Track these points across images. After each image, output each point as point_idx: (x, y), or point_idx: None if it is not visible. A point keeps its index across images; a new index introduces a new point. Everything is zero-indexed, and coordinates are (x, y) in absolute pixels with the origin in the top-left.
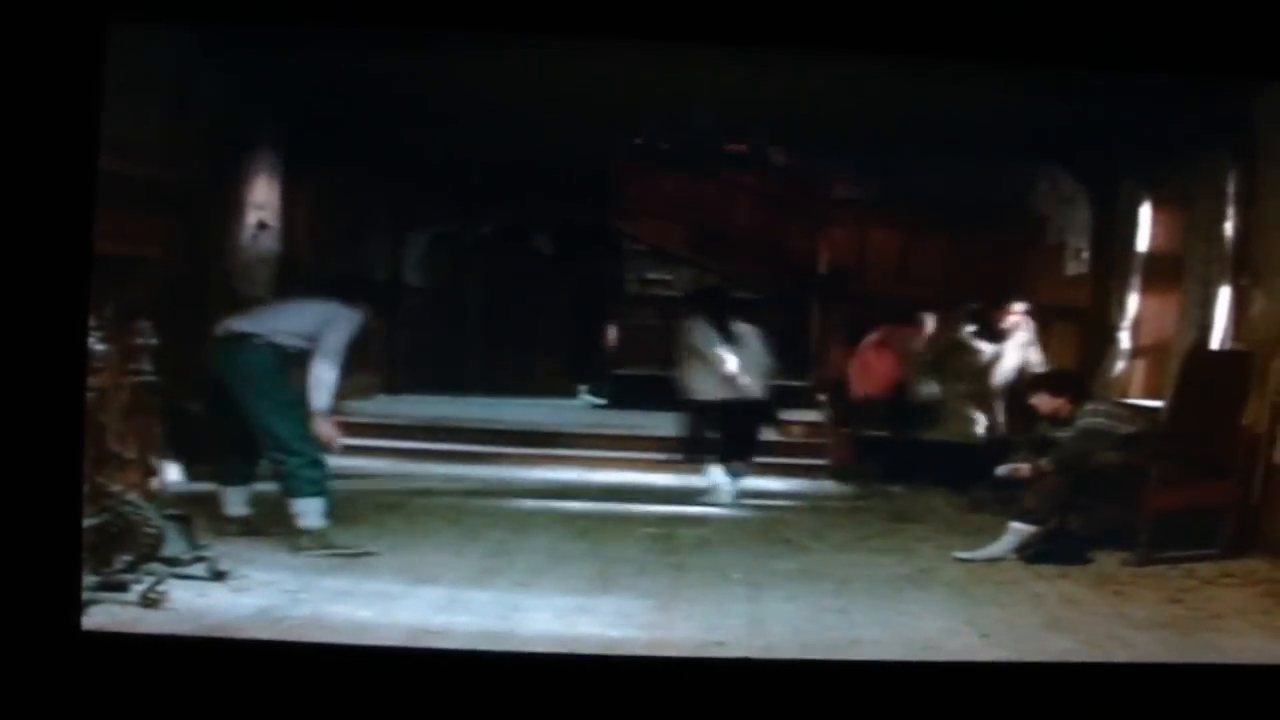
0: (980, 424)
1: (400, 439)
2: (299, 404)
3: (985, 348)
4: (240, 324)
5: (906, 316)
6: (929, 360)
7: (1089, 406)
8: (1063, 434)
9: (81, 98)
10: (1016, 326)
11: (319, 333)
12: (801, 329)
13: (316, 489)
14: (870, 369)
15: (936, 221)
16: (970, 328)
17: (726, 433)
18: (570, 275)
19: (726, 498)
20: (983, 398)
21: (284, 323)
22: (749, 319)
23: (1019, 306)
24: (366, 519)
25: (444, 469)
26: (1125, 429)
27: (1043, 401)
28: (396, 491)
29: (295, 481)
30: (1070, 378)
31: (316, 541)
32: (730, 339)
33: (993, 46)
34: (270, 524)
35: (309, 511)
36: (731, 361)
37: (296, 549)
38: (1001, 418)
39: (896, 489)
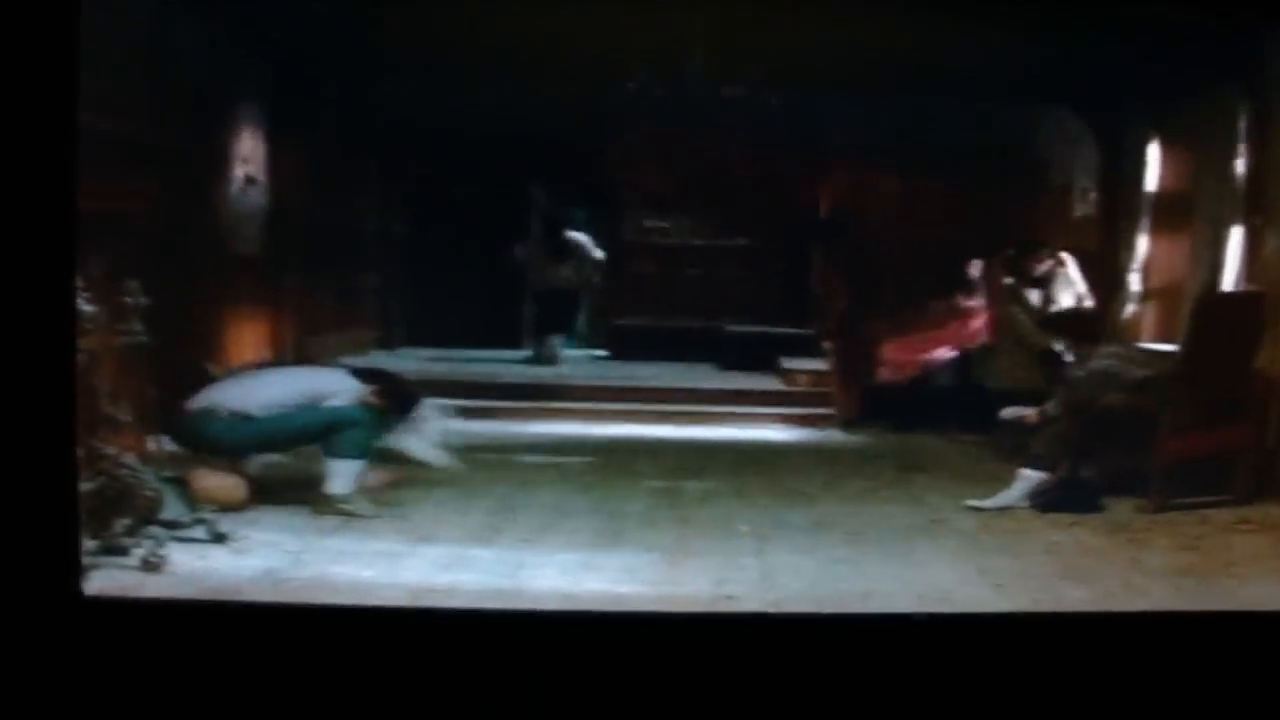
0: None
1: None
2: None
3: (1032, 294)
4: (212, 398)
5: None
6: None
7: (1102, 349)
8: (1075, 375)
9: (57, 53)
10: (1055, 268)
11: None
12: (803, 275)
13: (361, 451)
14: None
15: (938, 165)
16: (1009, 279)
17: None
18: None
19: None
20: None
21: (254, 393)
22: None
23: (1049, 251)
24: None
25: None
26: (1138, 372)
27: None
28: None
29: (339, 441)
30: (1082, 317)
31: (339, 506)
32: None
33: None
34: (283, 487)
35: (344, 474)
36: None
37: (318, 512)
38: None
39: (907, 437)
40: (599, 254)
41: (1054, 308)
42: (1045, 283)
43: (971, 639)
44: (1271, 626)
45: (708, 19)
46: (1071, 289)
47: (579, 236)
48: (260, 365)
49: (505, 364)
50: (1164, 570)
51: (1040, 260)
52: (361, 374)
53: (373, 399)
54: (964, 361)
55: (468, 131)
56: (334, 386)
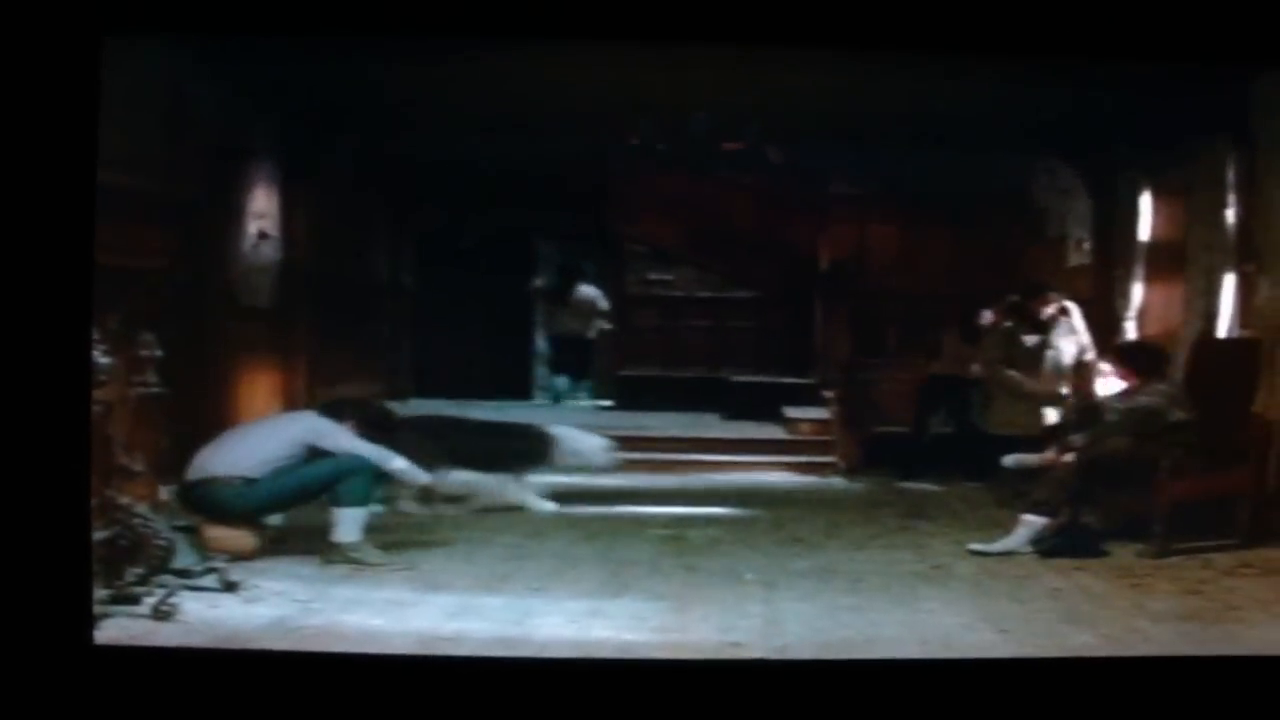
0: (1031, 416)
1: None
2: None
3: (1029, 339)
4: (210, 466)
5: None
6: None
7: (1156, 385)
8: (1115, 410)
9: (78, 111)
10: (1058, 315)
11: (299, 453)
12: (804, 326)
13: (362, 499)
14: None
15: (936, 216)
16: (1009, 322)
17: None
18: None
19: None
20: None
21: (255, 455)
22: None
23: (1055, 296)
24: (376, 526)
25: (454, 476)
26: (1179, 415)
27: (1111, 370)
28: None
29: (342, 490)
30: (1145, 350)
31: (349, 555)
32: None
33: (988, 38)
34: (293, 536)
35: (349, 522)
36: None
37: (328, 561)
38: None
39: (912, 485)
40: (606, 305)
41: (1053, 354)
42: (1047, 329)
43: (976, 685)
44: (1275, 670)
45: (710, 73)
46: (1074, 338)
47: (590, 289)
48: (239, 423)
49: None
50: (1167, 614)
51: (1045, 304)
52: (331, 409)
53: (355, 428)
54: (963, 407)
55: (475, 184)
56: (317, 428)
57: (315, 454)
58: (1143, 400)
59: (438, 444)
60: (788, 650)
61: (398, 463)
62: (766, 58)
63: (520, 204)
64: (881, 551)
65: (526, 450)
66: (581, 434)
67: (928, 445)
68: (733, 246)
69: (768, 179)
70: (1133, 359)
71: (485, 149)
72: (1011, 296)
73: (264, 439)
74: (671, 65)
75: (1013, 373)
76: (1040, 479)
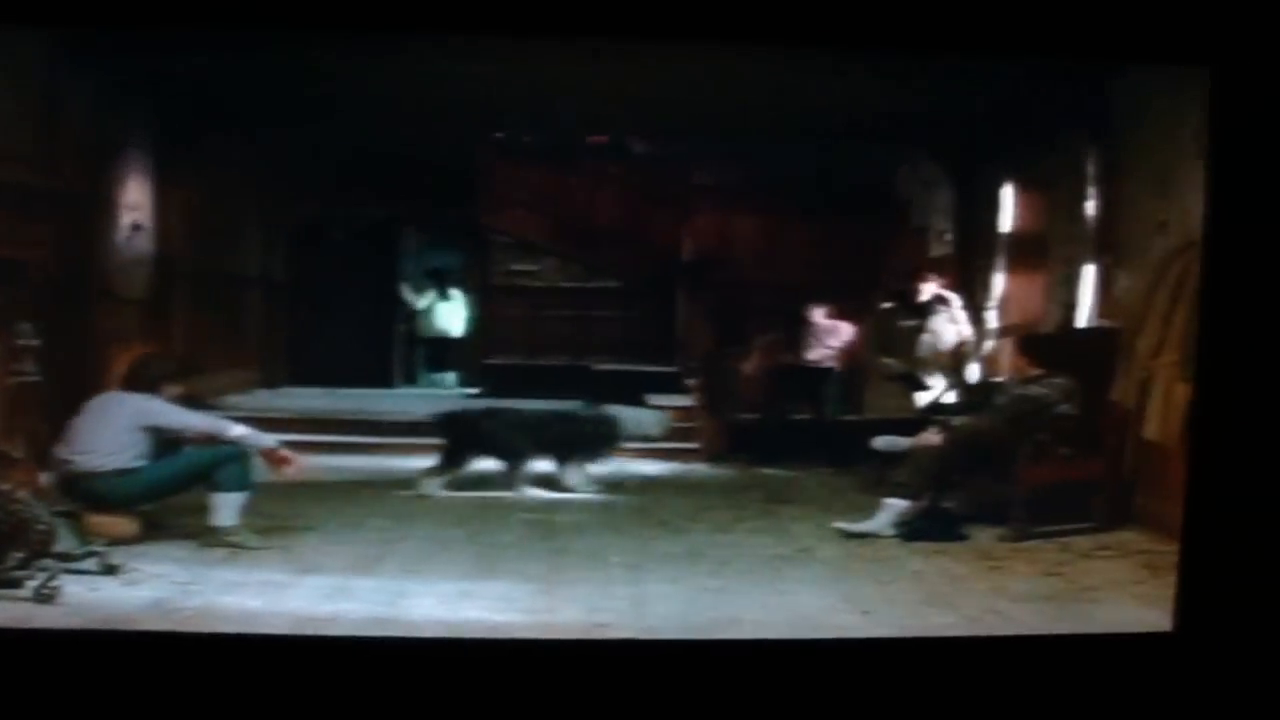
0: (911, 400)
1: (281, 432)
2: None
3: (907, 324)
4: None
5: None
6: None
7: (1054, 379)
8: (1007, 395)
9: None
10: (937, 303)
11: (140, 436)
12: (668, 316)
13: (239, 484)
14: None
15: (799, 207)
16: (889, 304)
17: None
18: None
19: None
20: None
21: (98, 445)
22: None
23: (933, 282)
24: (253, 510)
25: (324, 461)
26: (1066, 408)
27: (1010, 358)
28: (280, 484)
29: (221, 476)
30: (1049, 343)
31: (226, 539)
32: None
33: (851, 32)
34: (172, 518)
35: (227, 507)
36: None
37: (206, 545)
38: (935, 391)
39: (772, 471)
40: (467, 310)
41: (929, 340)
42: (924, 314)
43: (840, 664)
44: (1130, 647)
45: (575, 67)
46: (954, 326)
47: (457, 293)
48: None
49: (385, 400)
50: (1026, 596)
51: (922, 284)
52: (141, 382)
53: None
54: (817, 394)
55: (342, 176)
56: (144, 410)
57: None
58: (1036, 390)
59: (520, 434)
60: (654, 631)
61: (236, 430)
62: (631, 51)
63: (390, 197)
64: (746, 535)
65: (599, 432)
66: (635, 410)
67: (782, 432)
68: (596, 238)
69: (631, 171)
70: (1037, 350)
71: (356, 141)
72: (889, 282)
73: (99, 427)
74: (537, 58)
75: (888, 360)
76: (905, 463)
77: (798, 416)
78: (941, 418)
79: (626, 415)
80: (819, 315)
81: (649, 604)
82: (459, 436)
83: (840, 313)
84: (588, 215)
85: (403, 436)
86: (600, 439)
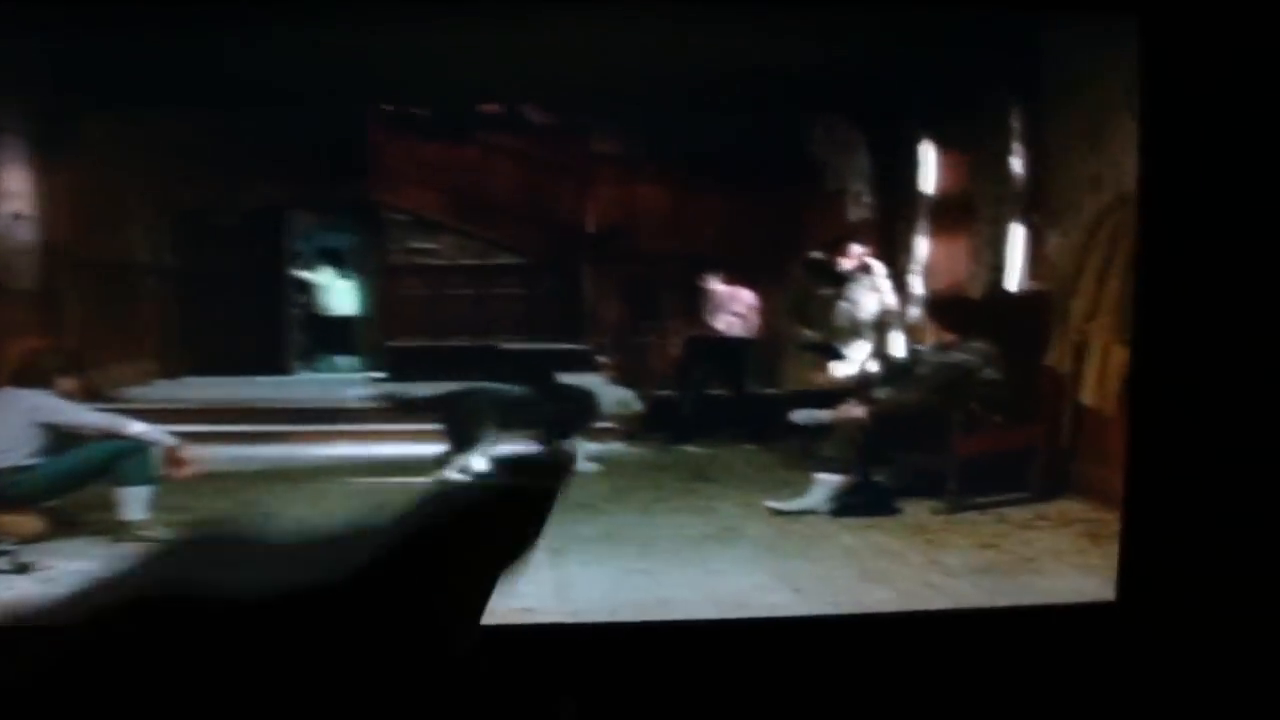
0: (828, 371)
1: (184, 423)
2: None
3: (826, 293)
4: None
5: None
6: (791, 310)
7: (973, 343)
8: (927, 365)
9: None
10: (858, 271)
11: (35, 432)
12: (574, 291)
13: (144, 477)
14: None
15: (708, 175)
16: (807, 272)
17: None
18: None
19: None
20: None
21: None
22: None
23: (856, 249)
24: (161, 505)
25: (231, 451)
26: (991, 374)
27: (935, 330)
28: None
29: (123, 469)
30: (960, 306)
31: (137, 533)
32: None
33: None
34: (84, 514)
35: (134, 500)
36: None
37: (118, 540)
38: (855, 362)
39: (692, 448)
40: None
41: (848, 309)
42: (846, 281)
43: (772, 644)
44: (1072, 619)
45: (467, 34)
46: (876, 295)
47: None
48: None
49: (289, 387)
50: (963, 569)
51: (844, 256)
52: (32, 376)
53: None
54: (731, 368)
55: (228, 157)
56: (40, 407)
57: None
58: (956, 356)
59: (501, 414)
60: (580, 614)
61: (135, 427)
62: (522, 14)
63: (278, 177)
64: (668, 515)
65: (580, 408)
66: (609, 386)
67: (695, 408)
68: (496, 212)
69: (529, 141)
70: (949, 314)
71: (240, 120)
72: (811, 251)
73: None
74: (424, 25)
75: (806, 331)
76: (831, 436)
77: (714, 392)
78: (863, 390)
79: (604, 391)
80: (716, 283)
81: (573, 588)
82: (462, 418)
83: (738, 279)
84: (484, 189)
85: (310, 424)
86: (582, 415)
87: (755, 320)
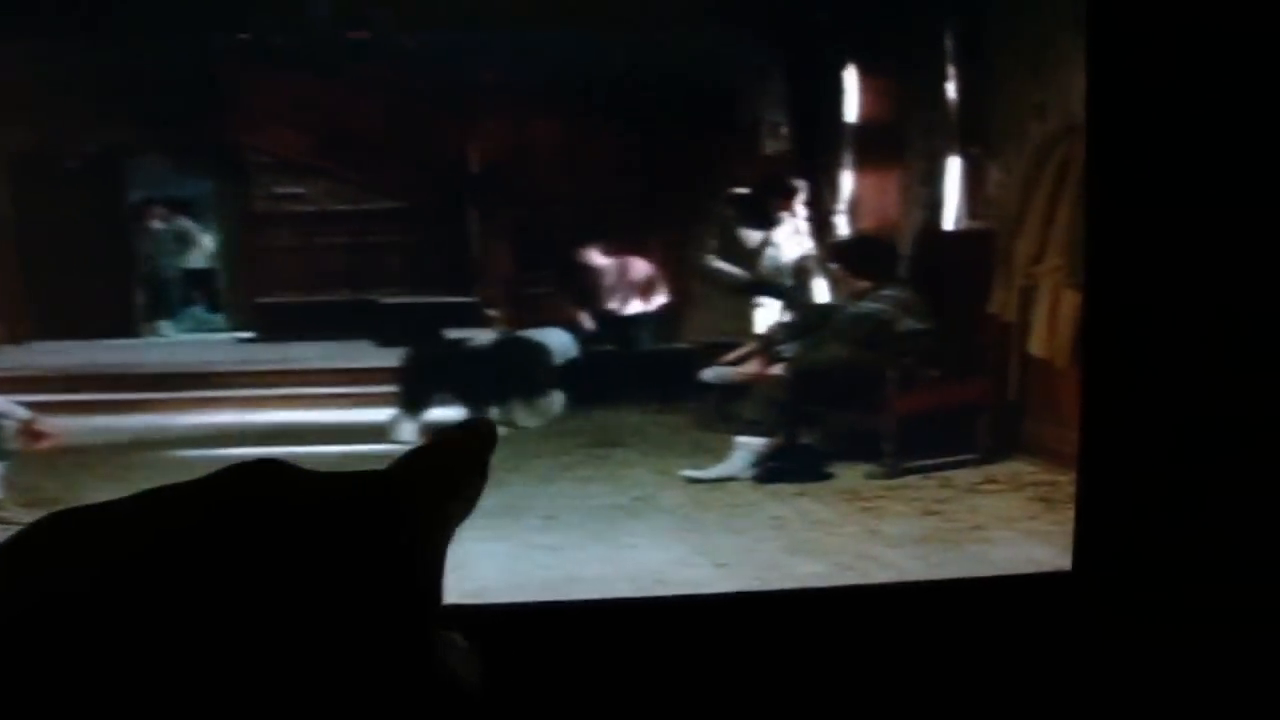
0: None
1: (37, 392)
2: None
3: (752, 235)
4: None
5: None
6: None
7: (886, 290)
8: (839, 317)
9: None
10: (781, 209)
11: None
12: (460, 239)
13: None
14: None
15: (605, 105)
16: (733, 212)
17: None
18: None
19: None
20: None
21: None
22: (397, 229)
23: (778, 185)
24: (15, 484)
25: (90, 421)
26: (912, 324)
27: (842, 277)
28: (41, 451)
29: None
30: (871, 248)
31: None
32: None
33: None
34: None
35: None
36: None
37: None
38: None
39: (592, 411)
40: (199, 235)
41: (773, 253)
42: (770, 223)
43: (695, 622)
44: (1025, 589)
45: None
46: (798, 238)
47: (184, 220)
48: None
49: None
50: (904, 538)
51: (787, 201)
52: None
53: None
54: (642, 320)
55: (66, 95)
56: None
57: None
58: (868, 307)
59: (475, 371)
60: (483, 594)
61: None
62: None
63: (125, 118)
64: (575, 484)
65: (530, 361)
66: (547, 331)
67: (601, 365)
68: (368, 152)
69: (402, 72)
70: (856, 259)
71: (83, 56)
72: (735, 188)
73: None
74: None
75: (728, 266)
76: (750, 396)
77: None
78: (775, 344)
79: (551, 339)
80: (596, 256)
81: (472, 564)
82: (427, 378)
83: (620, 247)
84: (355, 125)
85: (173, 390)
86: (534, 368)
87: (656, 289)
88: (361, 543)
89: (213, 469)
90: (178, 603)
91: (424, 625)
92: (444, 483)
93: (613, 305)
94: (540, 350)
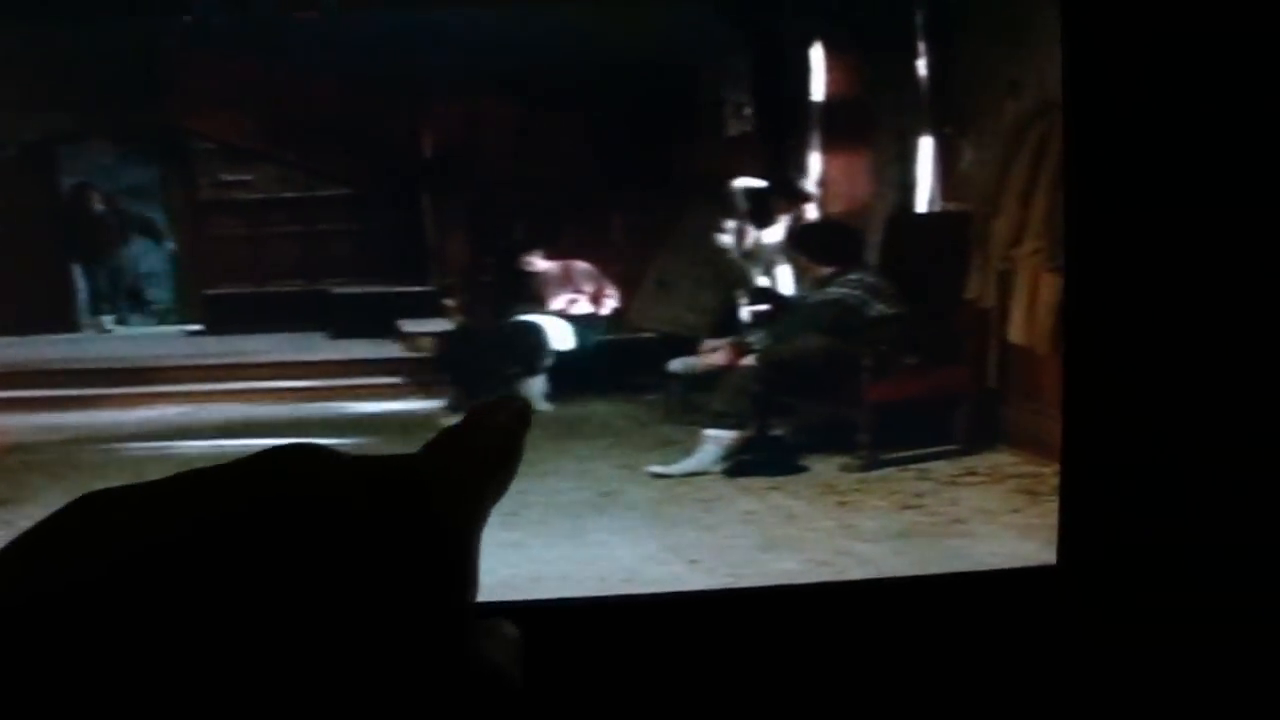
0: (702, 313)
1: None
2: None
3: (717, 223)
4: None
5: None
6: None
7: (851, 275)
8: (804, 305)
9: None
10: (748, 194)
11: None
12: (413, 225)
13: None
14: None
15: (563, 88)
16: (745, 206)
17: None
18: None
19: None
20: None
21: None
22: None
23: (744, 168)
24: None
25: (34, 419)
26: (881, 309)
27: (805, 264)
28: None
29: None
30: (831, 233)
31: None
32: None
33: None
34: None
35: None
36: None
37: None
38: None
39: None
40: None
41: (729, 241)
42: (768, 224)
43: (666, 621)
44: (1007, 585)
45: None
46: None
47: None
48: None
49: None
50: (881, 533)
51: (789, 203)
52: None
53: None
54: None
55: (7, 81)
56: None
57: None
58: (833, 293)
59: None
60: None
61: None
62: None
63: (64, 105)
64: (537, 480)
65: (534, 345)
66: (537, 318)
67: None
68: (316, 137)
69: (352, 54)
70: (818, 245)
71: (17, 39)
72: (733, 182)
73: None
74: None
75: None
76: (719, 387)
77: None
78: (749, 334)
79: (544, 324)
80: (539, 263)
81: None
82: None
83: (564, 253)
84: (302, 111)
85: (121, 385)
86: (538, 352)
87: (604, 292)
88: (399, 533)
89: (159, 466)
90: (210, 593)
91: (459, 613)
92: (479, 464)
93: (557, 306)
94: (541, 333)
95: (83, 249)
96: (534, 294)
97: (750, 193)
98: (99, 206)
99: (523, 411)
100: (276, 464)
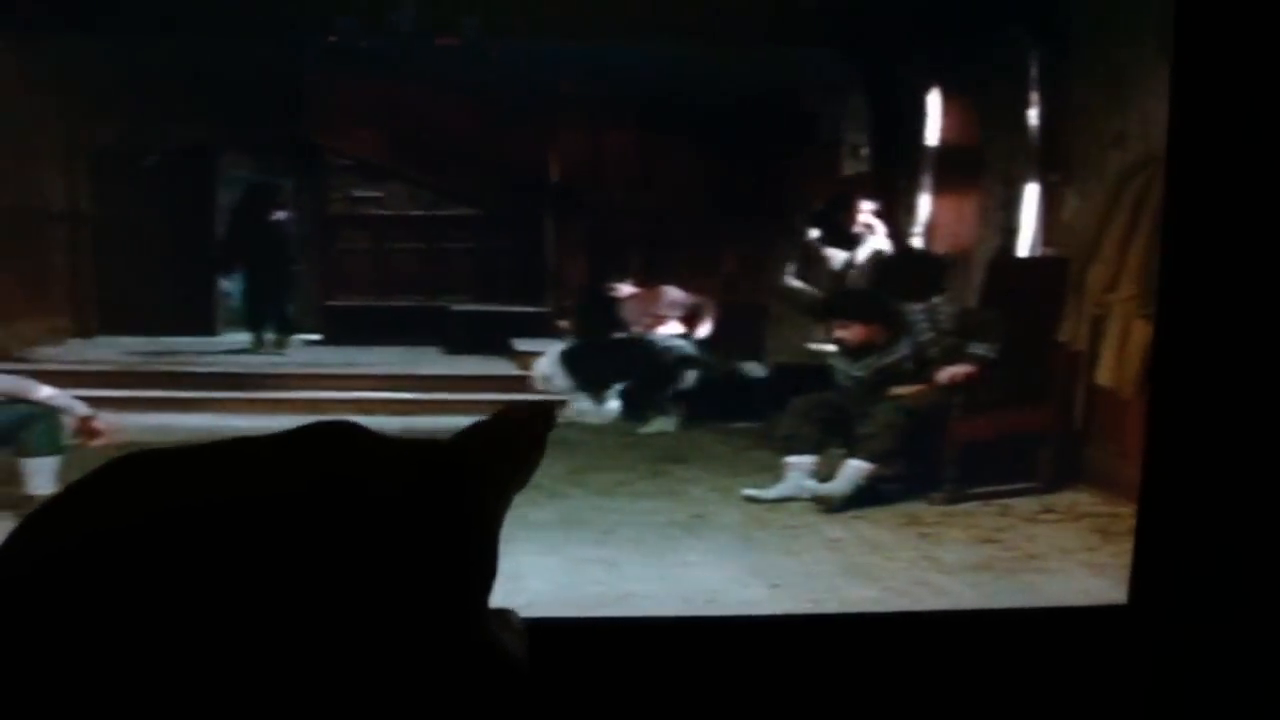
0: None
1: (101, 387)
2: None
3: (835, 255)
4: None
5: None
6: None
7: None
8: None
9: None
10: (866, 231)
11: None
12: (534, 247)
13: (52, 446)
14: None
15: (684, 121)
16: (815, 233)
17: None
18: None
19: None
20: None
21: None
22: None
23: (868, 206)
24: (70, 478)
25: (153, 419)
26: (974, 349)
27: (851, 333)
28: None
29: (29, 438)
30: (874, 298)
31: None
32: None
33: None
34: None
35: (42, 473)
36: None
37: (21, 515)
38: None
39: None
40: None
41: (857, 276)
42: (855, 244)
43: (745, 643)
44: (1079, 620)
45: None
46: (878, 257)
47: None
48: None
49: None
50: (960, 566)
51: (854, 216)
52: None
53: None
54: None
55: (151, 91)
56: None
57: None
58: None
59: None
60: (532, 608)
61: (43, 391)
62: None
63: (208, 116)
64: (632, 500)
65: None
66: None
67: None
68: (448, 158)
69: (487, 80)
70: (866, 310)
71: (167, 53)
72: (815, 205)
73: None
74: None
75: (803, 285)
76: (871, 421)
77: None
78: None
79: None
80: (627, 290)
81: (525, 578)
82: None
83: (656, 278)
84: (436, 132)
85: (239, 391)
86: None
87: (700, 316)
88: (431, 515)
89: None
90: (229, 562)
91: (481, 591)
92: (506, 454)
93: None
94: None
95: (253, 254)
96: (621, 318)
97: (819, 215)
98: (280, 212)
99: (547, 412)
100: (316, 440)
